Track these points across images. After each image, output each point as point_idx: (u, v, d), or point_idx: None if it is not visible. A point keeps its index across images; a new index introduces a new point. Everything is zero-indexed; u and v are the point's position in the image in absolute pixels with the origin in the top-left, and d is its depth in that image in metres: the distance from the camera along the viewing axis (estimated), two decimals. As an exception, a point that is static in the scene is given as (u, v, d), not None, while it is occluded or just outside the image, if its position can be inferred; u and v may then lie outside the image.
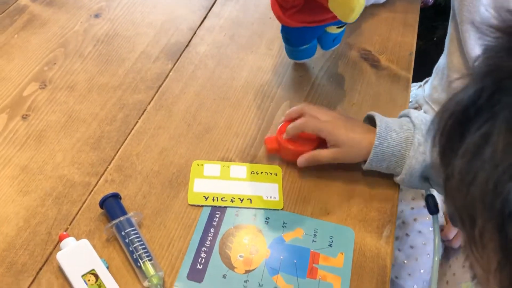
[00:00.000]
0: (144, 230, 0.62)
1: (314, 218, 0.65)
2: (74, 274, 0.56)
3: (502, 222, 0.29)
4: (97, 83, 0.80)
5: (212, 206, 0.65)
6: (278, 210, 0.66)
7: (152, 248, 0.60)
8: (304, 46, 0.78)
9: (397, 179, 0.66)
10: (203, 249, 0.61)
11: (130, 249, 0.58)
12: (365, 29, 0.95)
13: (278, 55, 0.88)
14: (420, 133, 0.64)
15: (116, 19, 0.92)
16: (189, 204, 0.65)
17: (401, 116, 0.70)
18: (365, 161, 0.67)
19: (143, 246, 0.58)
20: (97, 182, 0.67)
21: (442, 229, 0.97)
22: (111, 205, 0.62)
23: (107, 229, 0.60)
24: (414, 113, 0.67)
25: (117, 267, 0.59)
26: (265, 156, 0.72)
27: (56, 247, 0.60)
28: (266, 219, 0.65)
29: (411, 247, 0.93)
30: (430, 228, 0.92)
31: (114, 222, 0.60)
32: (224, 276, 0.59)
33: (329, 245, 0.63)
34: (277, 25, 0.93)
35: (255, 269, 0.60)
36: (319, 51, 0.83)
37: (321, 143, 0.68)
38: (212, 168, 0.69)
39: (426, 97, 1.06)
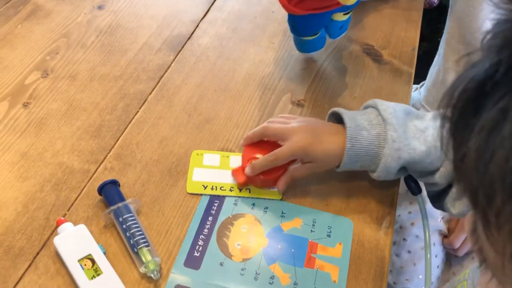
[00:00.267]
0: (142, 217, 0.62)
1: (313, 208, 0.65)
2: (71, 259, 0.56)
3: None
4: (98, 73, 0.80)
5: (210, 195, 0.65)
6: (276, 200, 0.65)
7: (150, 235, 0.60)
8: (313, 37, 0.76)
9: (373, 175, 0.63)
10: (200, 237, 0.61)
11: (127, 235, 0.58)
12: (368, 24, 0.95)
13: (280, 49, 0.88)
14: (392, 128, 0.60)
15: (120, 11, 0.92)
16: (187, 193, 0.65)
17: (366, 107, 0.66)
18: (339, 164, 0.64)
19: (140, 233, 0.58)
20: (96, 169, 0.67)
21: (446, 236, 0.96)
22: (110, 192, 0.62)
23: (105, 215, 0.60)
24: (381, 105, 0.63)
25: (114, 253, 0.59)
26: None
27: (54, 232, 0.60)
28: (264, 208, 0.64)
29: (409, 252, 0.92)
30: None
31: (112, 208, 0.60)
32: (221, 264, 0.59)
33: (327, 235, 0.62)
34: (280, 19, 0.93)
35: (252, 257, 0.60)
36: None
37: (290, 161, 0.65)
38: (211, 158, 0.69)
39: (422, 100, 1.06)
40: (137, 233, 0.58)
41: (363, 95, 0.81)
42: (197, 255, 0.59)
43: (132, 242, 0.57)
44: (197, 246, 0.60)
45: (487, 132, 0.29)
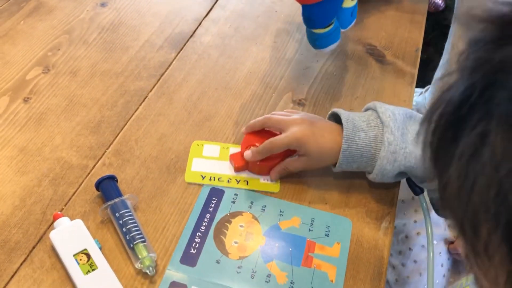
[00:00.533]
0: (139, 213, 0.62)
1: (311, 207, 0.64)
2: (66, 253, 0.55)
3: (510, 232, 0.27)
4: (99, 69, 0.80)
5: (209, 191, 0.64)
6: (275, 198, 0.65)
7: (147, 231, 0.60)
8: (328, 28, 0.75)
9: (370, 177, 0.63)
10: (197, 234, 0.60)
11: (124, 230, 0.58)
12: (371, 25, 0.94)
13: (283, 48, 0.87)
14: (390, 131, 0.60)
15: (122, 8, 0.92)
16: (186, 183, 0.65)
17: (367, 109, 0.66)
18: (335, 164, 0.64)
19: (137, 228, 0.58)
20: (95, 165, 0.67)
21: (452, 242, 0.94)
22: (107, 187, 0.62)
23: (101, 210, 0.60)
24: (381, 108, 0.63)
25: (110, 248, 0.58)
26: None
27: (50, 226, 0.60)
28: (262, 207, 0.64)
29: (415, 261, 0.91)
30: (435, 242, 0.89)
31: (109, 203, 0.60)
32: (217, 262, 0.58)
33: (325, 235, 0.62)
34: (283, 19, 0.93)
35: (249, 255, 0.59)
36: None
37: (287, 153, 0.65)
38: (211, 148, 0.69)
39: (427, 105, 1.05)
40: (133, 229, 0.57)
41: (365, 95, 0.80)
42: (194, 252, 0.59)
43: (128, 238, 0.57)
44: (194, 243, 0.59)
45: (466, 159, 0.28)
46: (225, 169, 0.67)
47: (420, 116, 0.64)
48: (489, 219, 0.27)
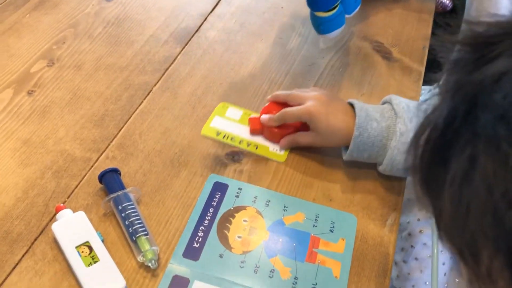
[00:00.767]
0: (142, 206, 0.61)
1: (316, 203, 0.64)
2: (68, 245, 0.55)
3: (511, 256, 0.26)
4: (104, 63, 0.80)
5: (212, 185, 0.64)
6: (279, 193, 0.64)
7: (149, 225, 0.59)
8: (332, 12, 0.74)
9: (380, 168, 0.64)
10: (201, 228, 0.60)
11: (126, 223, 0.57)
12: (378, 22, 0.94)
13: (288, 44, 0.87)
14: (402, 122, 0.61)
15: (128, 3, 0.92)
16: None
17: (384, 103, 0.66)
18: (346, 149, 0.64)
19: (139, 221, 0.57)
20: (98, 158, 0.66)
21: None
22: (110, 180, 0.61)
23: (104, 202, 0.59)
24: (395, 100, 0.64)
25: (113, 241, 0.58)
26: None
27: (53, 219, 0.59)
28: (266, 201, 0.63)
29: (416, 259, 0.90)
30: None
31: (112, 196, 0.59)
32: (220, 256, 0.57)
33: (330, 231, 0.61)
34: (289, 15, 0.93)
35: (252, 250, 0.58)
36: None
37: (302, 127, 0.68)
38: (234, 112, 0.73)
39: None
40: (136, 222, 0.57)
41: (371, 92, 0.80)
42: (197, 246, 0.58)
43: (130, 231, 0.56)
44: (197, 237, 0.59)
45: (458, 184, 0.28)
46: (241, 132, 0.70)
47: None
48: (489, 245, 0.27)
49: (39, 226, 0.59)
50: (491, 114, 0.27)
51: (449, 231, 0.30)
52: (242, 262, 0.57)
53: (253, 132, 0.70)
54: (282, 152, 0.68)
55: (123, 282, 0.53)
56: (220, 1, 0.94)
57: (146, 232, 0.56)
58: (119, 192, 0.59)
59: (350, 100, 0.67)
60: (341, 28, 0.77)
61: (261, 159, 0.68)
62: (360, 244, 0.60)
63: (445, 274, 0.93)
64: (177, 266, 0.56)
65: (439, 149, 0.29)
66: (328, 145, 0.67)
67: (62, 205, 0.59)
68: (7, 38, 0.83)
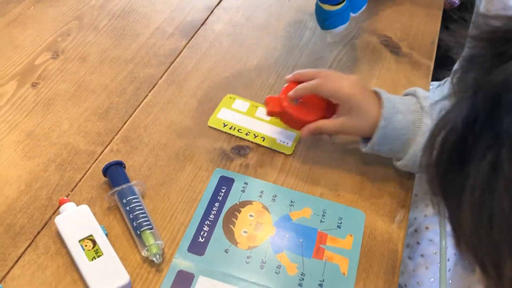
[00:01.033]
0: (147, 200, 0.60)
1: (323, 198, 0.62)
2: (71, 238, 0.54)
3: None
4: (109, 56, 0.79)
5: (218, 179, 0.63)
6: (286, 188, 0.63)
7: (154, 219, 0.58)
8: (338, 6, 0.72)
9: (398, 164, 0.61)
10: (206, 223, 0.59)
11: (131, 217, 0.56)
12: (387, 17, 0.92)
13: (295, 37, 0.85)
14: (428, 116, 0.59)
15: (133, -5, 0.91)
16: (208, 126, 0.68)
17: (406, 94, 0.65)
18: (365, 142, 0.62)
19: (144, 215, 0.56)
20: (103, 151, 0.65)
21: None
22: (114, 173, 0.60)
23: (108, 196, 0.59)
24: (421, 93, 0.61)
25: (117, 235, 0.57)
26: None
27: (56, 212, 0.58)
28: (273, 196, 0.62)
29: (422, 255, 0.89)
30: None
31: (116, 189, 0.58)
32: (226, 251, 0.56)
33: (337, 227, 0.60)
34: (296, 8, 0.91)
35: (259, 245, 0.57)
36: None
37: (326, 114, 0.64)
38: (241, 103, 0.72)
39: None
40: (141, 216, 0.56)
41: (379, 86, 0.77)
42: (202, 241, 0.57)
43: (135, 225, 0.56)
44: (202, 232, 0.58)
45: (480, 193, 0.26)
46: (247, 123, 0.69)
47: None
48: None
49: (42, 219, 0.58)
50: None
51: (470, 242, 0.28)
52: (248, 257, 0.56)
53: (271, 114, 0.65)
54: (290, 144, 0.67)
55: (127, 277, 0.52)
56: (227, -6, 0.93)
57: (150, 226, 0.55)
58: (124, 186, 0.58)
59: (376, 89, 0.64)
60: (346, 24, 0.76)
61: (267, 153, 0.67)
62: (368, 240, 0.59)
63: (449, 270, 0.92)
64: (182, 261, 0.55)
65: (457, 152, 0.28)
66: (353, 131, 0.63)
67: (65, 198, 0.58)
68: (11, 30, 0.82)
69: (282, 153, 0.67)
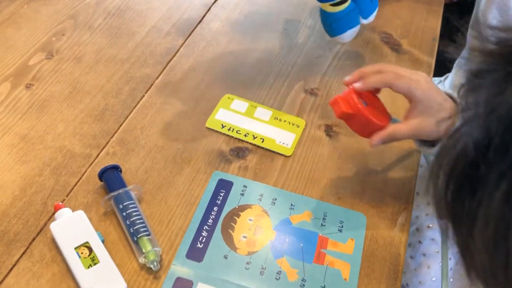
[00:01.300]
0: (144, 205, 0.59)
1: (324, 201, 0.61)
2: (67, 246, 0.53)
3: None
4: (104, 56, 0.77)
5: (216, 182, 0.62)
6: (286, 191, 0.62)
7: (151, 224, 0.57)
8: (344, 6, 0.70)
9: (430, 150, 0.56)
10: (204, 228, 0.58)
11: (128, 223, 0.55)
12: (387, 13, 0.91)
13: (294, 35, 0.84)
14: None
15: (129, -7, 0.89)
16: (206, 128, 0.67)
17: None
18: (432, 143, 0.57)
19: (141, 221, 0.55)
20: (98, 154, 0.64)
21: None
22: (111, 177, 0.59)
23: (105, 201, 0.57)
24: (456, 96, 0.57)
25: (113, 242, 0.56)
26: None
27: (51, 218, 0.57)
28: (273, 200, 0.61)
29: (424, 254, 0.89)
30: None
31: (112, 194, 0.57)
32: (225, 257, 0.55)
33: (338, 230, 0.59)
34: (295, 4, 0.90)
35: (258, 251, 0.56)
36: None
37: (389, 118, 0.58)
38: (240, 104, 0.71)
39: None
40: (138, 221, 0.55)
41: (380, 85, 0.77)
42: (200, 246, 0.56)
43: (132, 231, 0.54)
44: (201, 238, 0.57)
45: (493, 228, 0.24)
46: (246, 124, 0.68)
47: None
48: None
49: (37, 226, 0.57)
50: None
51: (483, 275, 0.27)
52: (247, 263, 0.55)
53: (342, 115, 0.57)
54: (289, 146, 0.66)
55: (124, 285, 0.51)
56: (224, -9, 0.91)
57: (148, 233, 0.54)
58: (120, 190, 0.57)
59: (447, 91, 0.59)
60: (355, 29, 0.73)
61: (266, 155, 0.66)
62: (370, 244, 0.58)
63: (451, 269, 0.91)
64: (180, 268, 0.54)
65: (468, 178, 0.26)
66: (429, 135, 0.56)
67: (61, 203, 0.57)
68: (4, 29, 0.80)
69: (282, 154, 0.66)
